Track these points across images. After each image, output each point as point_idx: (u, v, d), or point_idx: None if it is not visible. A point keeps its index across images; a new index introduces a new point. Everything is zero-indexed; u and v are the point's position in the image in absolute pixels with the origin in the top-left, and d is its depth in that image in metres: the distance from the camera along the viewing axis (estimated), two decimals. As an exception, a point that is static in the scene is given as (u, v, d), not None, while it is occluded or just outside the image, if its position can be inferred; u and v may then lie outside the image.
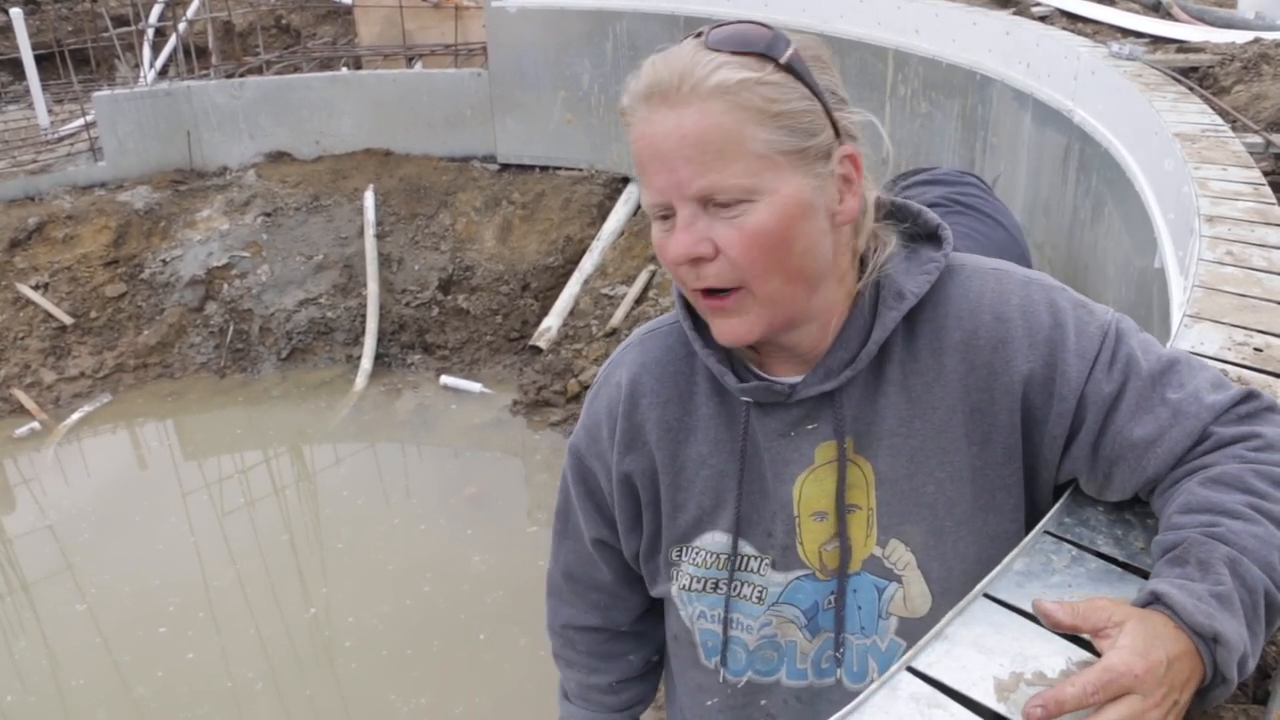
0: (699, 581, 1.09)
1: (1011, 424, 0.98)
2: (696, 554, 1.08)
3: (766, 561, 1.06)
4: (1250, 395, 0.94)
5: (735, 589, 1.07)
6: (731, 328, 0.96)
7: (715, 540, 1.07)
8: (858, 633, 1.05)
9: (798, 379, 1.02)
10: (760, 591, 1.06)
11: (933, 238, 1.04)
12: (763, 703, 1.12)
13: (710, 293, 0.95)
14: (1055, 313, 0.97)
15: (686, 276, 0.95)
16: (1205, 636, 0.77)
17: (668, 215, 0.95)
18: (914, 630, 1.01)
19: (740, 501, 1.04)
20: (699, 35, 0.95)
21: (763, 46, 0.92)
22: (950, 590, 0.99)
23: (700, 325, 1.05)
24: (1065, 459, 0.98)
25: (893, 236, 1.03)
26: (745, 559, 1.06)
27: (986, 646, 0.81)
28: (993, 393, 0.97)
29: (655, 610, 1.26)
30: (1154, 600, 0.80)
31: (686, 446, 1.07)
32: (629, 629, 1.28)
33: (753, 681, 1.11)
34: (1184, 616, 0.77)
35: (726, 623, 1.08)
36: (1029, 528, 1.00)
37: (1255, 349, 1.49)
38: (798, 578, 1.05)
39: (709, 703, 1.15)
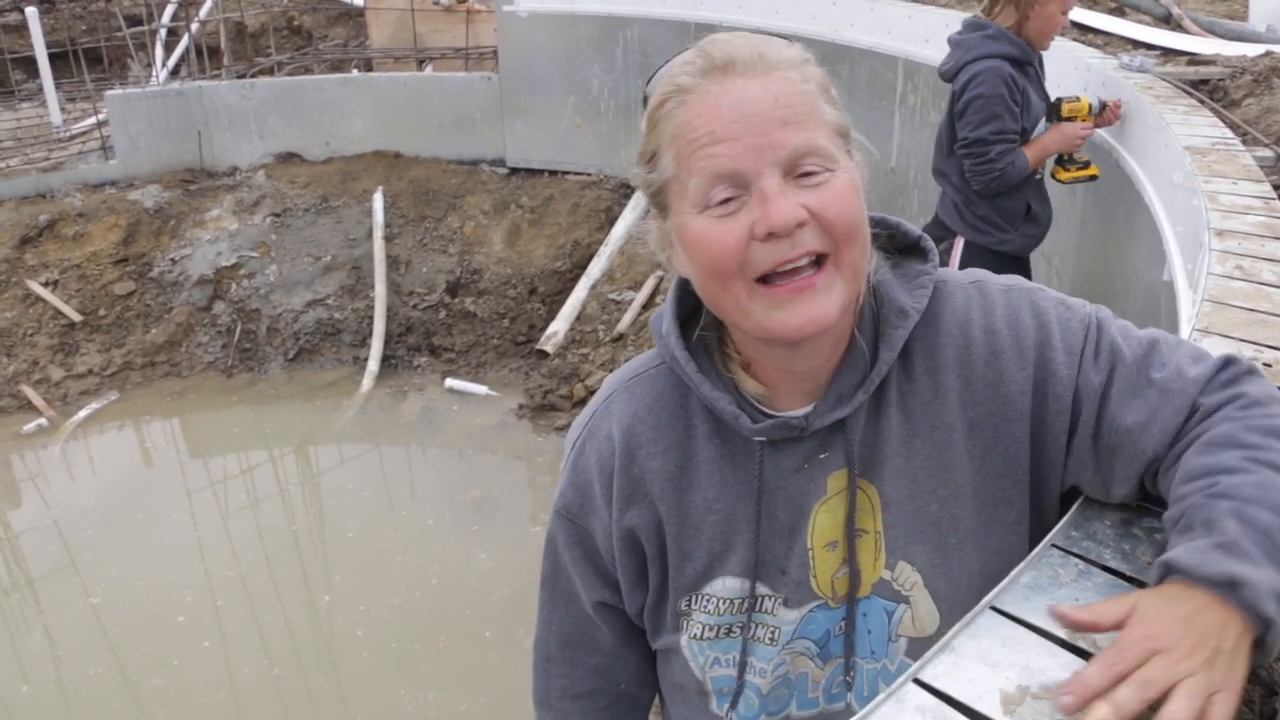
0: (712, 629, 1.06)
1: (1011, 434, 0.98)
2: (708, 601, 1.05)
3: (779, 600, 1.03)
4: (1229, 361, 0.95)
5: (750, 632, 1.04)
6: (819, 307, 0.90)
7: (727, 586, 1.04)
8: (868, 657, 1.04)
9: (806, 409, 1.00)
10: (773, 632, 1.04)
11: (914, 250, 1.04)
12: None
13: (784, 275, 0.90)
14: (1038, 314, 0.99)
15: (771, 252, 0.88)
16: (1220, 583, 0.76)
17: (732, 197, 0.89)
18: (922, 650, 0.99)
19: (757, 544, 1.02)
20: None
21: (799, 45, 0.96)
22: (957, 607, 0.98)
23: (705, 369, 1.02)
24: (1069, 457, 0.98)
25: (875, 250, 1.02)
26: (760, 599, 1.04)
27: (993, 659, 0.81)
28: (989, 406, 0.98)
29: (652, 671, 1.21)
30: (1165, 572, 0.80)
31: (690, 493, 1.03)
32: (627, 690, 1.22)
33: None
34: (1192, 572, 0.77)
35: (742, 667, 1.05)
36: (1034, 541, 1.00)
37: (1264, 364, 1.49)
38: (810, 610, 1.03)
39: None
